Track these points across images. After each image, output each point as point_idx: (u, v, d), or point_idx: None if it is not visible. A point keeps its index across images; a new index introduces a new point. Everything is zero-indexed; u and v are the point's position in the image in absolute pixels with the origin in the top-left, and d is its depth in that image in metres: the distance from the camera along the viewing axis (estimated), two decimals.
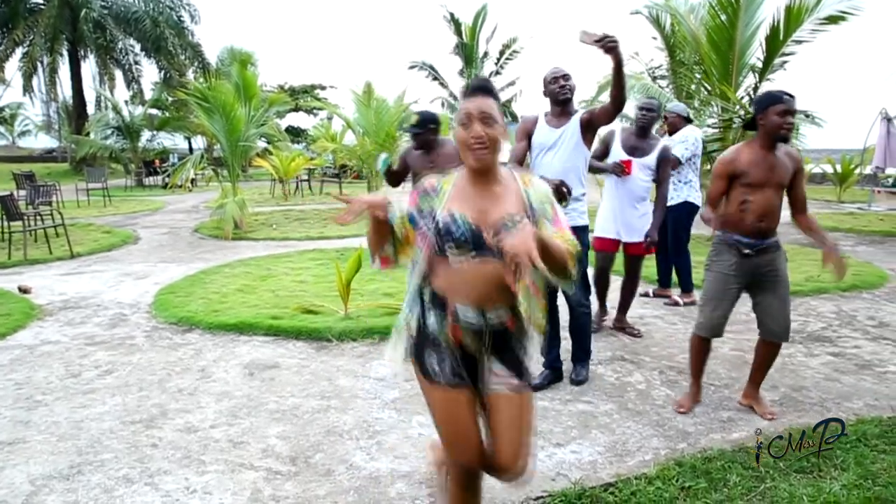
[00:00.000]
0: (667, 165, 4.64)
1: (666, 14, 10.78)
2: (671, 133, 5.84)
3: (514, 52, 25.21)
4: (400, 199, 1.92)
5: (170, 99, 24.52)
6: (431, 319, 1.87)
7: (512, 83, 25.74)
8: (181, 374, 4.10)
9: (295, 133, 31.61)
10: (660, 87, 12.29)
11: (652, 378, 4.02)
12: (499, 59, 25.01)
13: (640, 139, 4.68)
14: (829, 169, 17.65)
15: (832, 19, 8.97)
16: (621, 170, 4.57)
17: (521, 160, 3.81)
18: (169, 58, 25.85)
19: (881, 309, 5.74)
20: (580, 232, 3.77)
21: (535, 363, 2.72)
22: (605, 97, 12.47)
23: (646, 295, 5.98)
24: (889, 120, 13.60)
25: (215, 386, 3.90)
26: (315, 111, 29.91)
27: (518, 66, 38.32)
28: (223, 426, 3.35)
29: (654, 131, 4.82)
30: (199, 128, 21.21)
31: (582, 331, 3.90)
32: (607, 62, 3.79)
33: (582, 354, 3.93)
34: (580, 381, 3.84)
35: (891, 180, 17.33)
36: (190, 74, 25.92)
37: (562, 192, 3.53)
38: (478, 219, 1.78)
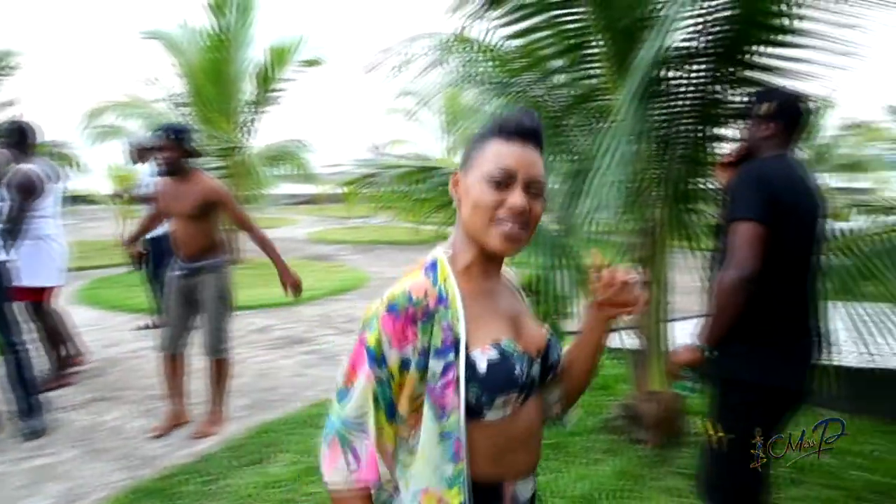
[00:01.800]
0: None
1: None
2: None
3: (10, 67, 21.55)
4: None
5: None
6: None
7: (9, 104, 21.92)
8: None
9: None
10: (183, 114, 12.19)
11: (130, 412, 3.96)
12: None
13: None
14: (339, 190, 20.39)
15: (310, 63, 10.58)
16: None
17: None
18: None
19: (356, 306, 6.93)
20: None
21: None
22: (107, 120, 11.54)
23: (146, 327, 5.83)
24: (377, 148, 16.53)
25: None
26: None
27: (16, 85, 32.91)
28: None
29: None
30: None
31: (21, 377, 3.56)
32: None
33: (27, 404, 3.57)
34: (35, 435, 3.51)
35: None
36: None
37: None
38: (525, 341, 1.13)
